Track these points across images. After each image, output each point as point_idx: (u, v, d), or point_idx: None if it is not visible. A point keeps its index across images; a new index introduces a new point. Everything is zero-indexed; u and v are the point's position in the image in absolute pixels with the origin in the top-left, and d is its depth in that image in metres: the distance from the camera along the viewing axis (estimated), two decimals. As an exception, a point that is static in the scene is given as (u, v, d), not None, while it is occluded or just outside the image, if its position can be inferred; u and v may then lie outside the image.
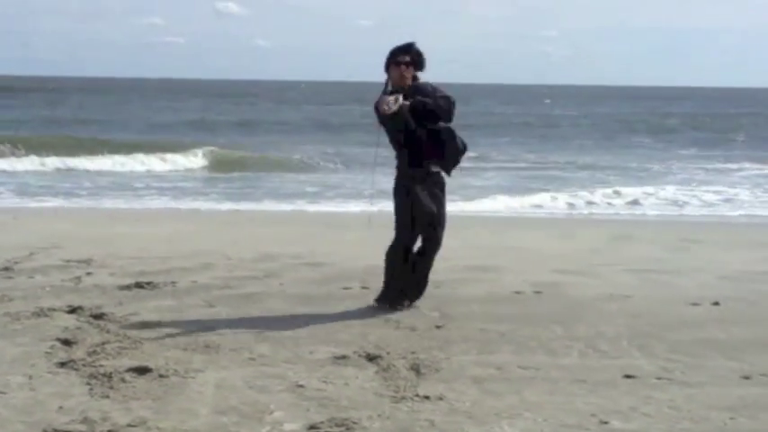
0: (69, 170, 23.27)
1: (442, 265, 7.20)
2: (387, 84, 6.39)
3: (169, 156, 25.39)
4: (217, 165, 24.98)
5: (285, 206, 16.00)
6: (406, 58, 6.36)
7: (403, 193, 6.36)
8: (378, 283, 7.27)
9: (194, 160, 25.34)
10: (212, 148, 27.30)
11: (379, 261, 7.57)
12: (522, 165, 26.67)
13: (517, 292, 7.14)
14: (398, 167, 6.42)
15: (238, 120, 46.79)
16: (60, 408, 4.16)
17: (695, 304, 6.78)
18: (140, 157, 25.06)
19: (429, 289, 7.05)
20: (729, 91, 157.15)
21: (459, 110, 6.37)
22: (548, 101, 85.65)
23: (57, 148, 26.44)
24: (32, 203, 15.82)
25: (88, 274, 7.60)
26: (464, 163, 6.51)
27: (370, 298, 6.78)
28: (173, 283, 7.22)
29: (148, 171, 23.58)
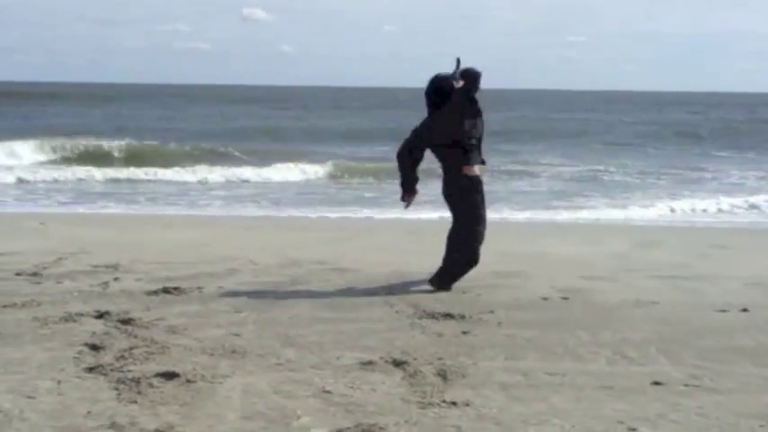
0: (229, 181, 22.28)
1: (469, 271, 7.20)
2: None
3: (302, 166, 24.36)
4: (347, 173, 24.24)
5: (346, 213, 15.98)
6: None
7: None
8: (403, 289, 7.31)
9: (318, 169, 24.31)
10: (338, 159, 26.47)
11: (405, 267, 7.59)
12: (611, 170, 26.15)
13: (544, 298, 7.11)
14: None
15: (305, 126, 44.98)
16: (88, 413, 4.19)
17: (723, 311, 6.73)
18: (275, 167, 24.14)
19: (456, 295, 7.11)
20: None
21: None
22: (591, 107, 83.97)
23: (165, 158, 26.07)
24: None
25: (116, 279, 7.64)
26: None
27: (395, 303, 6.78)
28: (199, 288, 7.25)
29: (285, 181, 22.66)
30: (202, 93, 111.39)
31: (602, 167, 26.59)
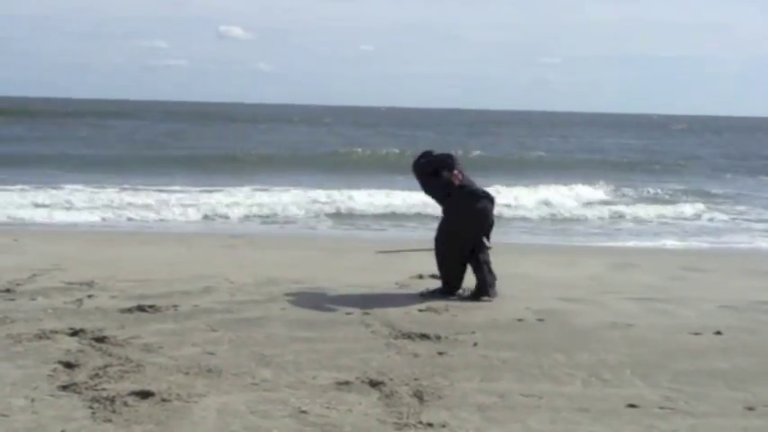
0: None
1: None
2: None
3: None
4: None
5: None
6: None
7: None
8: (378, 309, 7.32)
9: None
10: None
11: (380, 287, 7.56)
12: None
13: (519, 320, 7.13)
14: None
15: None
16: (63, 431, 4.15)
17: (697, 333, 6.77)
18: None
19: (432, 315, 7.12)
20: (737, 120, 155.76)
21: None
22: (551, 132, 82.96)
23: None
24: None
25: (90, 296, 7.59)
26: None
27: (371, 323, 6.78)
28: (174, 306, 7.21)
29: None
30: (199, 111, 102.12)
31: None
